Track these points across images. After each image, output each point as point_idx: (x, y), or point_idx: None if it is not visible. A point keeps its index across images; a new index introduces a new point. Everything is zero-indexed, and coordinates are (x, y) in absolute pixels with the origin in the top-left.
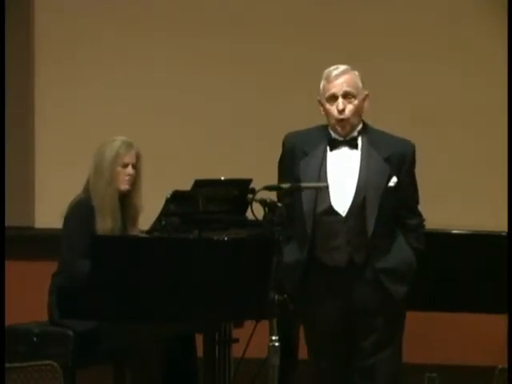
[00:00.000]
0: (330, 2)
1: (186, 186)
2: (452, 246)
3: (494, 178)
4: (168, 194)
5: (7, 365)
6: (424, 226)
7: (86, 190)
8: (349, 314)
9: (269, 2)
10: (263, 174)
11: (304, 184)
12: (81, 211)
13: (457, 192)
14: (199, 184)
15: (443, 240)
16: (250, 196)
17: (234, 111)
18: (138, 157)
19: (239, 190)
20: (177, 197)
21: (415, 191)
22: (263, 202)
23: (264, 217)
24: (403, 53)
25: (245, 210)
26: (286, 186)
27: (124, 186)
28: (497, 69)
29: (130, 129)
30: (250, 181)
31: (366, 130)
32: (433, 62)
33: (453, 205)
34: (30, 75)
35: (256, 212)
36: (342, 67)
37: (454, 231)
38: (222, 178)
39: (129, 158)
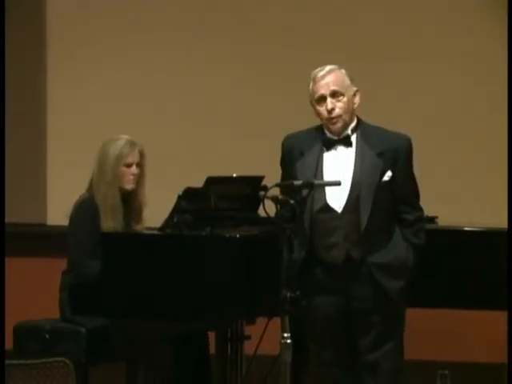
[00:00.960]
0: (330, 2)
1: (188, 184)
2: (464, 243)
3: (494, 177)
4: (180, 191)
5: (20, 361)
6: (425, 220)
7: (90, 188)
8: (347, 311)
9: (270, 2)
10: (265, 171)
11: (317, 181)
12: (85, 210)
13: (457, 189)
14: (211, 181)
15: (455, 237)
16: (261, 193)
17: (234, 110)
18: (141, 155)
19: (251, 187)
20: (189, 194)
21: (414, 186)
22: (275, 199)
23: (276, 214)
24: (403, 53)
25: (257, 207)
26: (298, 183)
27: (130, 186)
28: (497, 68)
29: (140, 127)
30: (262, 178)
31: (359, 126)
32: (433, 62)
33: (450, 203)
34: (41, 74)
35: (268, 209)
36: (328, 67)
37: (466, 228)
38: (234, 175)
39: (132, 158)
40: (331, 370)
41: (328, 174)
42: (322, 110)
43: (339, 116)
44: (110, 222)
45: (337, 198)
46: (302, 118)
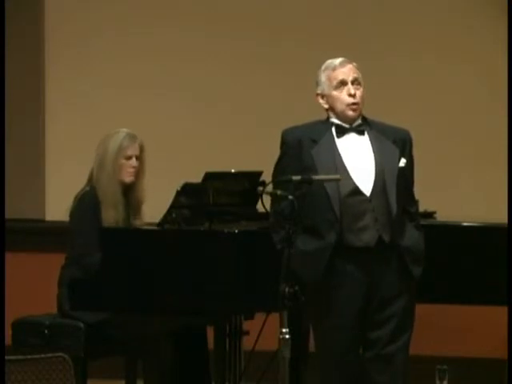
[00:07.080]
0: (331, 1)
1: (187, 180)
2: (463, 238)
3: (494, 172)
4: (178, 186)
5: (18, 357)
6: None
7: (90, 182)
8: (369, 299)
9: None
10: (264, 167)
11: (316, 176)
12: (88, 203)
13: (456, 184)
14: (210, 176)
15: (454, 232)
16: (260, 188)
17: (233, 106)
18: (141, 148)
19: (250, 183)
20: (187, 189)
21: (412, 177)
22: (274, 195)
23: (271, 209)
24: (403, 53)
25: (255, 203)
26: (297, 178)
27: (129, 178)
28: (497, 67)
29: (138, 124)
30: (260, 173)
31: (366, 119)
32: (433, 60)
33: (450, 197)
34: (40, 70)
35: (267, 204)
36: (342, 58)
37: (465, 224)
38: (233, 171)
39: (132, 150)
40: (345, 359)
41: (347, 159)
42: (342, 95)
43: (359, 103)
44: (112, 212)
45: (364, 182)
46: (300, 114)
